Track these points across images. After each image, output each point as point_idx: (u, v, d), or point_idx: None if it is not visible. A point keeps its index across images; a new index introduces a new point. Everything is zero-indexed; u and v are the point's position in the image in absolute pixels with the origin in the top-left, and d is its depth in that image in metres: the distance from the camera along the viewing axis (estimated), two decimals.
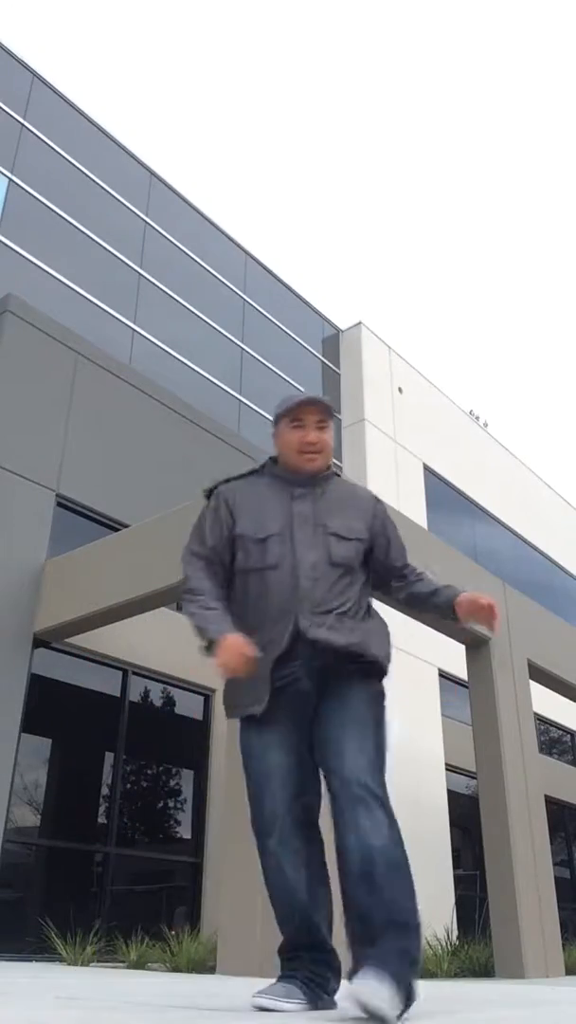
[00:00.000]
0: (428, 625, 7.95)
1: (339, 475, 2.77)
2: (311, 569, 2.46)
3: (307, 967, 2.33)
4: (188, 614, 2.46)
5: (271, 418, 2.70)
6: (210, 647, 2.35)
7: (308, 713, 2.41)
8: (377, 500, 2.74)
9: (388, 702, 2.52)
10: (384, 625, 2.62)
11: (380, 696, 2.51)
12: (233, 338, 13.17)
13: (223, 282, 13.45)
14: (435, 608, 2.67)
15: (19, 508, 8.13)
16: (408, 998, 2.04)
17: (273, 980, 2.34)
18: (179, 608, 2.54)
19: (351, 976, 2.11)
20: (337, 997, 2.31)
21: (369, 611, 2.60)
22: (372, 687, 2.49)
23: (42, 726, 7.88)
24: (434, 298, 75.86)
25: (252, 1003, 2.21)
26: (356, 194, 74.03)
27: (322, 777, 2.37)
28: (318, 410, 2.59)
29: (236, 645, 2.30)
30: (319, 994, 2.29)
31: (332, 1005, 2.30)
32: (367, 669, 2.47)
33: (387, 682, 2.55)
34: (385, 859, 2.22)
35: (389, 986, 1.96)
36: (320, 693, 2.42)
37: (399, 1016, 1.98)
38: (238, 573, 2.53)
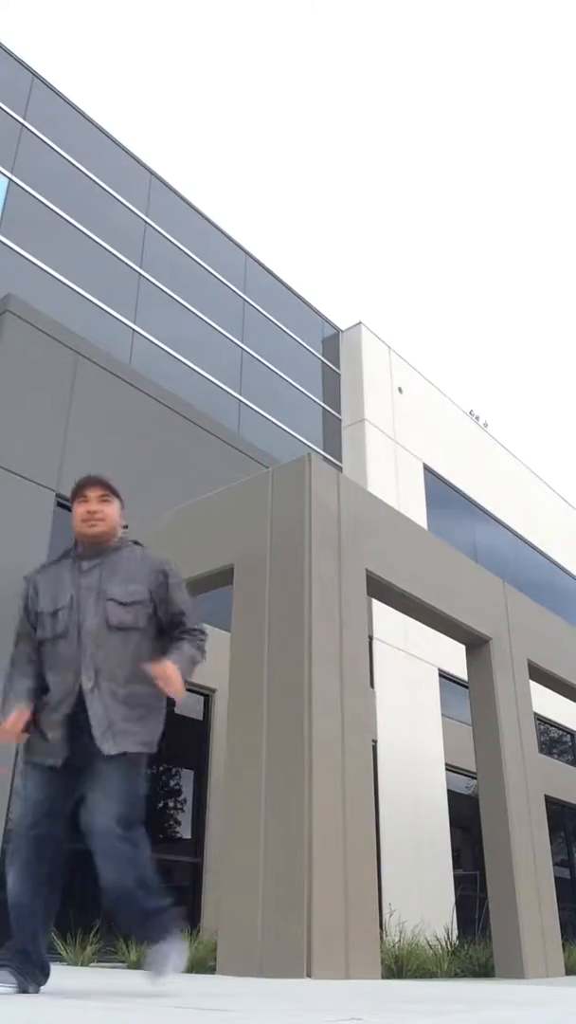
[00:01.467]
0: (428, 625, 7.96)
1: (138, 544, 3.15)
2: (94, 634, 2.84)
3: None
4: (3, 691, 2.91)
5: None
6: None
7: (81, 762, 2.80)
8: (163, 563, 3.08)
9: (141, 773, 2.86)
10: (158, 693, 2.87)
11: (133, 770, 2.83)
12: (233, 338, 13.17)
13: (223, 282, 13.44)
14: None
15: (19, 508, 8.13)
16: None
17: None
18: None
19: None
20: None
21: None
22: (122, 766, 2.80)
23: None
24: (435, 298, 75.87)
25: None
26: (356, 194, 74.03)
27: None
28: (99, 486, 3.07)
29: (6, 726, 2.80)
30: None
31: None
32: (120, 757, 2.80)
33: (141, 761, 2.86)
34: None
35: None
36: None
37: None
38: (40, 643, 2.93)
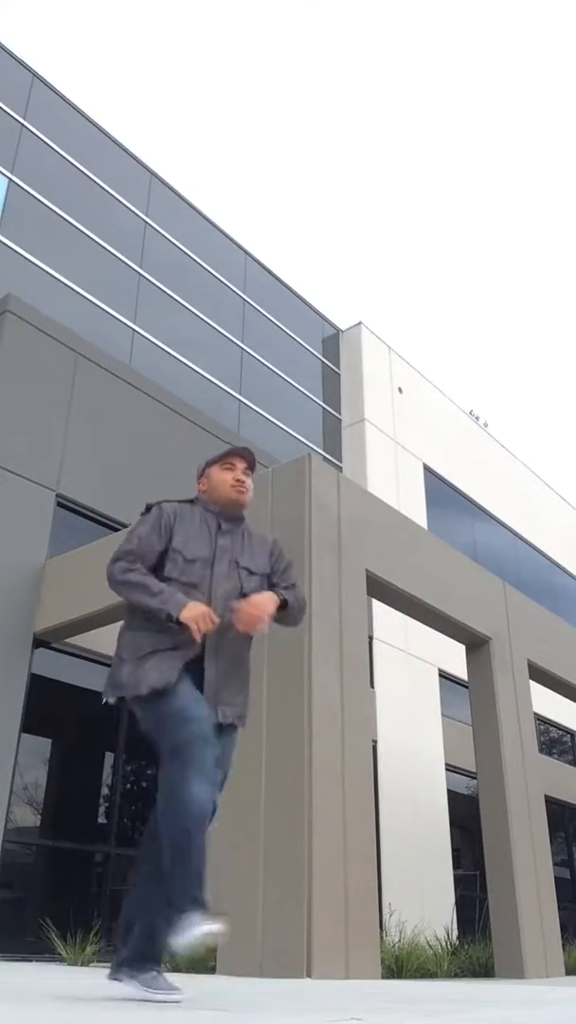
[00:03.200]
0: (428, 625, 7.95)
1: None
2: (222, 598, 2.82)
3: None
4: (148, 594, 2.72)
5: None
6: (174, 618, 2.66)
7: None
8: (276, 542, 3.15)
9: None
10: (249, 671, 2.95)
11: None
12: (233, 338, 13.17)
13: (223, 282, 13.44)
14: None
15: (19, 508, 8.13)
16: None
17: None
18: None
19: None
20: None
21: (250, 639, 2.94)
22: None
23: (42, 726, 7.87)
24: (434, 298, 75.89)
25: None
26: (356, 194, 74.06)
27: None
28: (245, 459, 3.08)
29: (204, 609, 2.66)
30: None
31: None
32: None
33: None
34: None
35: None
36: None
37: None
38: (165, 581, 2.80)
